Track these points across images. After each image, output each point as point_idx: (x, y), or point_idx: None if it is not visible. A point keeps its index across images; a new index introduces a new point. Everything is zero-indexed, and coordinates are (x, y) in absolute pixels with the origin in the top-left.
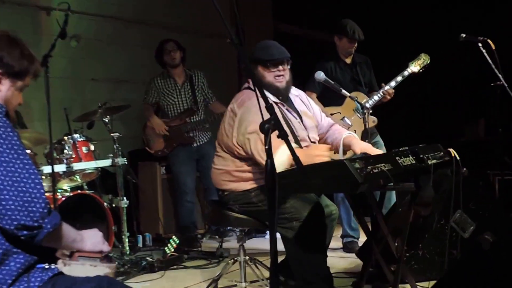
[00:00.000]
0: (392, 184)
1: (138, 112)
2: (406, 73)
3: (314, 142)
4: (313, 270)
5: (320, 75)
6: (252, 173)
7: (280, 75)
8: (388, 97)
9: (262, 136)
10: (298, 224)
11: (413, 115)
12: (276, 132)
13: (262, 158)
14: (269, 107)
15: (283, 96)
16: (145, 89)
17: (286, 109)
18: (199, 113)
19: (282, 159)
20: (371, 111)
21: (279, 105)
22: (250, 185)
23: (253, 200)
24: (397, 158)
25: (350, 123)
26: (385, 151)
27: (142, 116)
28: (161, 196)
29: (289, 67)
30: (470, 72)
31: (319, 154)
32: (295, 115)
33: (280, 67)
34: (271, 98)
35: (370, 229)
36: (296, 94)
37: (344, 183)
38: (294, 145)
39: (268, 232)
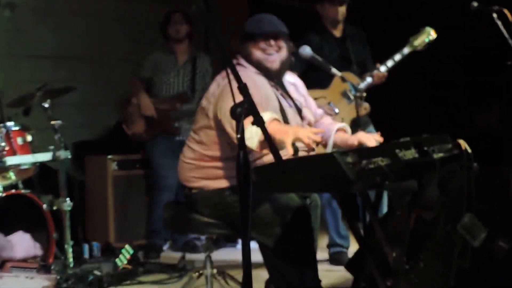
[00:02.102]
0: (390, 182)
1: (85, 96)
2: (406, 50)
3: None
4: (301, 285)
5: (306, 50)
6: (227, 170)
7: (270, 53)
8: (378, 81)
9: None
10: (280, 230)
11: (415, 100)
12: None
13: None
14: (242, 88)
15: (275, 79)
16: (140, 62)
17: (281, 95)
18: (193, 102)
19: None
20: (364, 95)
21: (273, 88)
22: (224, 183)
23: (227, 200)
24: (396, 151)
25: (336, 111)
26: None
27: (90, 100)
28: (112, 197)
29: (285, 45)
30: (482, 48)
31: (296, 135)
32: (291, 103)
33: (272, 42)
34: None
35: (363, 234)
36: (291, 81)
37: (333, 181)
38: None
39: (240, 240)
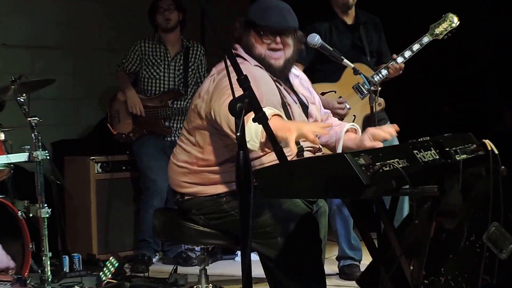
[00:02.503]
0: (408, 186)
1: (65, 89)
2: (426, 39)
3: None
4: None
5: (315, 39)
6: (224, 174)
7: (276, 49)
8: (394, 74)
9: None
10: (284, 240)
11: (435, 95)
12: (251, 114)
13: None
14: (243, 80)
15: (279, 77)
16: (125, 53)
17: (284, 89)
18: (186, 99)
19: (257, 128)
20: (379, 89)
21: (276, 83)
22: (221, 188)
23: (224, 207)
24: (415, 152)
25: (348, 107)
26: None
27: (71, 94)
28: (95, 203)
29: (292, 42)
30: (510, 36)
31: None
32: (295, 98)
33: (278, 39)
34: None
35: (377, 245)
36: (296, 74)
37: (343, 185)
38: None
39: (239, 252)
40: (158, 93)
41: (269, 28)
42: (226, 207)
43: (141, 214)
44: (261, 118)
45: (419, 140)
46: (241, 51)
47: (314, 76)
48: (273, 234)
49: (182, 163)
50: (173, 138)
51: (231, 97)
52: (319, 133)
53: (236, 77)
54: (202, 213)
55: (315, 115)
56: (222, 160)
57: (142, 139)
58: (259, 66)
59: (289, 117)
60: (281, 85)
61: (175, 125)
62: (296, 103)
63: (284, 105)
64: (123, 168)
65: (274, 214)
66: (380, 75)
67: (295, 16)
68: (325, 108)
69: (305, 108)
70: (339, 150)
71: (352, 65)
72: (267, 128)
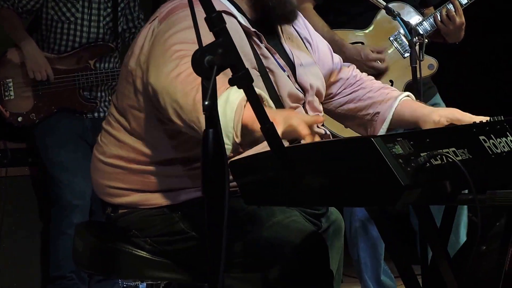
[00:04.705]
0: (470, 191)
1: None
2: None
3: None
4: None
5: None
6: (178, 175)
7: None
8: (451, 27)
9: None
10: (276, 273)
11: (504, 59)
12: (226, 73)
13: (190, 113)
14: (215, 20)
15: (269, 21)
16: None
17: (265, 47)
18: (117, 57)
19: (232, 105)
20: (426, 42)
21: (253, 37)
22: (174, 197)
23: (180, 226)
24: (482, 138)
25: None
26: None
27: None
28: None
29: None
30: None
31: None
32: (281, 62)
33: None
34: (243, 23)
35: (421, 284)
36: None
37: (369, 187)
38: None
39: None
40: (73, 47)
41: None
42: (183, 225)
43: (54, 237)
44: (242, 80)
45: (489, 120)
46: None
47: (332, 20)
48: (258, 264)
49: (112, 158)
50: (98, 115)
51: (185, 62)
52: (315, 123)
53: (205, 17)
54: (146, 234)
55: (311, 81)
56: (174, 156)
57: (49, 121)
58: (227, 13)
59: (271, 92)
60: (261, 41)
61: (101, 94)
62: (284, 71)
63: (264, 73)
64: (21, 161)
65: (260, 234)
66: (429, 22)
67: None
68: (347, 61)
69: (296, 77)
70: (386, 125)
71: (384, 4)
72: (252, 97)
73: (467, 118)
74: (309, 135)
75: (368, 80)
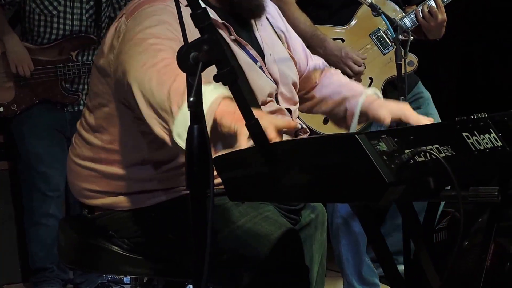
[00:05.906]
0: (452, 188)
1: None
2: None
3: (289, 110)
4: None
5: None
6: (149, 175)
7: None
8: (433, 23)
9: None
10: (251, 270)
11: (491, 55)
12: (210, 71)
13: (163, 102)
14: (200, 15)
15: (238, 11)
16: None
17: (235, 40)
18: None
19: (208, 99)
20: (412, 39)
21: (222, 30)
22: (149, 198)
23: (154, 228)
24: (465, 134)
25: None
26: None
27: None
28: None
29: None
30: None
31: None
32: (253, 53)
33: None
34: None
35: (404, 280)
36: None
37: (353, 183)
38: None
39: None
40: (56, 39)
41: None
42: (158, 227)
43: (29, 228)
44: (227, 76)
45: (472, 117)
46: None
47: (313, 14)
48: (231, 262)
49: (85, 161)
50: (76, 109)
51: (162, 55)
52: (286, 128)
53: (191, 13)
54: (123, 235)
55: (283, 73)
56: (145, 158)
57: (29, 112)
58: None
59: (244, 85)
60: (230, 32)
61: (82, 88)
62: (256, 62)
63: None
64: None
65: (233, 232)
66: (411, 18)
67: None
68: (327, 56)
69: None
70: (354, 123)
71: (370, 1)
72: (236, 93)
73: (414, 117)
74: (276, 139)
75: (336, 77)
